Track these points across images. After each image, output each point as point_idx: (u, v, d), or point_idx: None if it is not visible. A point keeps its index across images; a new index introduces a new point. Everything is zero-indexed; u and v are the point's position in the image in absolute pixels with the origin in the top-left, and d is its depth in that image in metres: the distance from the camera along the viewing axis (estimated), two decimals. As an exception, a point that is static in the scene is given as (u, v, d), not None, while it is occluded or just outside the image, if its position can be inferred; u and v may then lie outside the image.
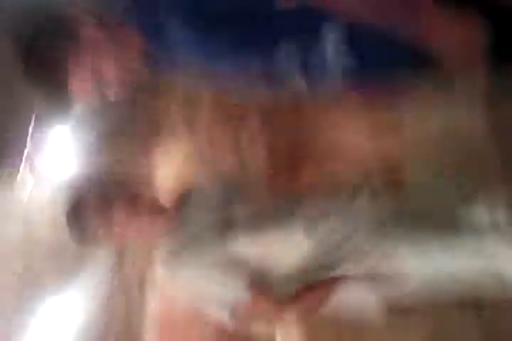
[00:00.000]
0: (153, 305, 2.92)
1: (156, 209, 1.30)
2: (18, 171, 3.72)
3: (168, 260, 1.30)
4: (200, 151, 1.92)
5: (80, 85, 1.04)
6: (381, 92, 1.11)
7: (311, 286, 1.26)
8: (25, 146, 3.74)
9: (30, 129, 3.66)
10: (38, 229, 3.85)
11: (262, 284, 1.26)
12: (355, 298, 1.23)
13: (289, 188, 1.30)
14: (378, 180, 1.22)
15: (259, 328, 1.34)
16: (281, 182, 1.33)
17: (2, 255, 3.61)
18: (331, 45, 1.03)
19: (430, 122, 1.19)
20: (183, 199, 1.36)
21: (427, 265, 1.16)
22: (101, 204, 1.26)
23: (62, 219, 1.31)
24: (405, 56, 1.02)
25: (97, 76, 1.05)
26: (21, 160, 3.78)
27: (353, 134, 1.28)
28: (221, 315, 1.34)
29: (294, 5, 0.98)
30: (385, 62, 1.02)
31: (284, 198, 1.27)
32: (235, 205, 1.26)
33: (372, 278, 1.22)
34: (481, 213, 1.12)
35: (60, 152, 3.88)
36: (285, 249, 1.22)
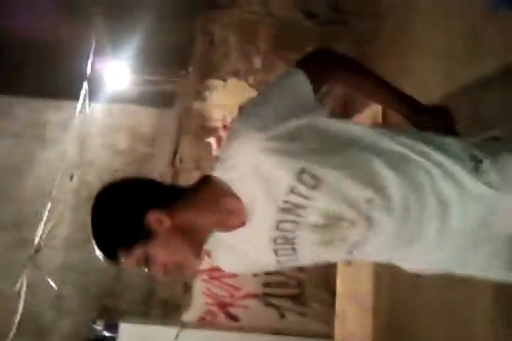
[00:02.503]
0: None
1: None
2: (78, 100, 3.90)
3: None
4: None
5: None
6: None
7: None
8: (85, 77, 3.92)
9: (90, 61, 3.82)
10: (91, 152, 4.07)
11: None
12: None
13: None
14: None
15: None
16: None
17: (59, 172, 3.81)
18: None
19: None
20: None
21: None
22: None
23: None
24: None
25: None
26: (81, 90, 3.98)
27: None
28: None
29: None
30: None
31: None
32: None
33: None
34: None
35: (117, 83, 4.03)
36: None
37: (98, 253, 1.14)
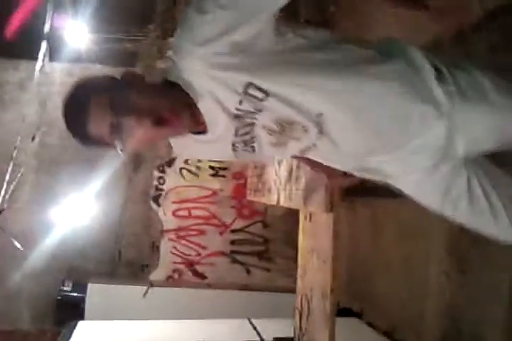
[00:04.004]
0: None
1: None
2: (37, 60, 3.80)
3: None
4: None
5: None
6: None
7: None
8: (43, 36, 3.81)
9: (48, 20, 3.71)
10: (52, 112, 4.00)
11: None
12: None
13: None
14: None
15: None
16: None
17: (20, 134, 3.75)
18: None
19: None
20: None
21: None
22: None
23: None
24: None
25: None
26: (40, 50, 3.87)
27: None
28: None
29: None
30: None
31: None
32: None
33: None
34: None
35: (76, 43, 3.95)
36: None
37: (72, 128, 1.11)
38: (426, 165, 1.23)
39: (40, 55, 3.91)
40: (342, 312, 3.15)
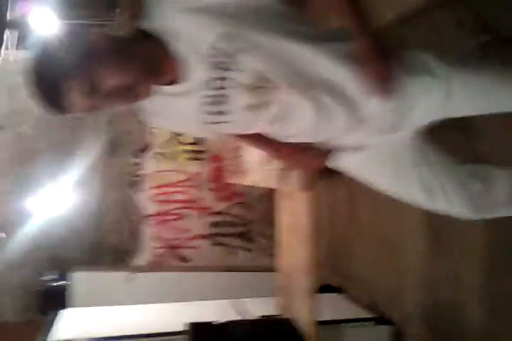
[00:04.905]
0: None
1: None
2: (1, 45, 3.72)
3: None
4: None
5: None
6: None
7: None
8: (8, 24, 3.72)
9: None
10: (21, 102, 3.94)
11: None
12: None
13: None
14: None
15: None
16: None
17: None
18: None
19: None
20: None
21: None
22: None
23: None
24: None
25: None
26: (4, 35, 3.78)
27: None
28: None
29: None
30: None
31: None
32: None
33: None
34: None
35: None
36: None
37: (43, 100, 1.09)
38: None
39: (4, 43, 3.83)
40: (323, 289, 3.21)
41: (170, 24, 1.09)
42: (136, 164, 4.16)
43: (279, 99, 1.16)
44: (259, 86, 1.14)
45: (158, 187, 4.17)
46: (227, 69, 1.11)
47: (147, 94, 1.12)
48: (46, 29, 4.04)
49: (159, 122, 1.36)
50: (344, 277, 3.51)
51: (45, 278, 3.89)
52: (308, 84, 1.15)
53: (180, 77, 1.14)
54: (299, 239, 2.43)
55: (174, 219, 4.16)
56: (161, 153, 4.14)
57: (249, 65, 1.11)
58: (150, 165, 4.17)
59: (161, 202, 4.17)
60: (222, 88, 1.14)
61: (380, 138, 1.31)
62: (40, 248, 4.01)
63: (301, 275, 2.42)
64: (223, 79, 1.12)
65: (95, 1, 4.05)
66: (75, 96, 1.05)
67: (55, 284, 3.85)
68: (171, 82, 1.15)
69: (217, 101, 1.16)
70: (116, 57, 1.07)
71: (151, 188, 4.16)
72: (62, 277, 3.83)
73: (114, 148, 4.19)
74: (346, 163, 1.43)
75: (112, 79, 1.05)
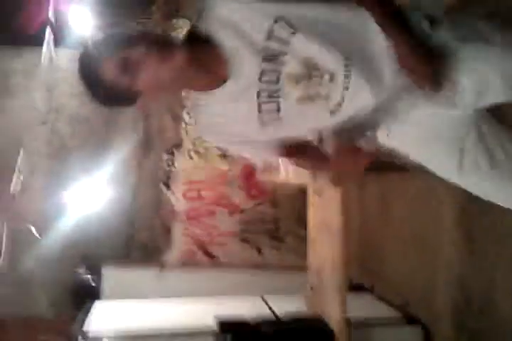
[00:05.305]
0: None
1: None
2: (42, 45, 3.83)
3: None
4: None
5: None
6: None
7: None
8: (48, 22, 3.83)
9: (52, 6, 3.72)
10: (60, 98, 4.02)
11: None
12: None
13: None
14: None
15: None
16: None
17: (29, 122, 3.79)
18: None
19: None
20: None
21: None
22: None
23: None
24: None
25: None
26: (44, 34, 3.89)
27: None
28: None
29: None
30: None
31: None
32: None
33: None
34: None
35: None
36: None
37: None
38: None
39: (45, 42, 3.92)
40: (354, 288, 3.18)
41: (225, 20, 1.10)
42: (169, 161, 4.20)
43: (336, 92, 1.15)
44: (312, 75, 1.13)
45: (190, 183, 4.20)
46: (279, 60, 1.11)
47: (180, 87, 1.15)
48: (84, 27, 4.12)
49: (215, 139, 1.36)
50: (375, 276, 3.48)
51: (77, 273, 3.96)
52: (363, 58, 1.14)
53: (228, 77, 1.14)
54: (329, 236, 2.42)
55: (204, 216, 4.18)
56: (193, 150, 4.17)
57: (302, 51, 1.11)
58: (182, 162, 4.20)
59: (191, 198, 4.20)
60: (275, 82, 1.13)
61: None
62: (74, 244, 4.08)
63: (332, 273, 2.40)
64: (275, 71, 1.12)
65: None
66: (112, 67, 1.08)
67: (87, 279, 3.91)
68: (218, 85, 1.15)
69: (271, 96, 1.15)
70: (160, 46, 1.09)
71: (182, 185, 4.19)
72: (95, 273, 3.89)
73: (147, 144, 4.24)
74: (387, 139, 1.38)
75: (149, 66, 1.08)
